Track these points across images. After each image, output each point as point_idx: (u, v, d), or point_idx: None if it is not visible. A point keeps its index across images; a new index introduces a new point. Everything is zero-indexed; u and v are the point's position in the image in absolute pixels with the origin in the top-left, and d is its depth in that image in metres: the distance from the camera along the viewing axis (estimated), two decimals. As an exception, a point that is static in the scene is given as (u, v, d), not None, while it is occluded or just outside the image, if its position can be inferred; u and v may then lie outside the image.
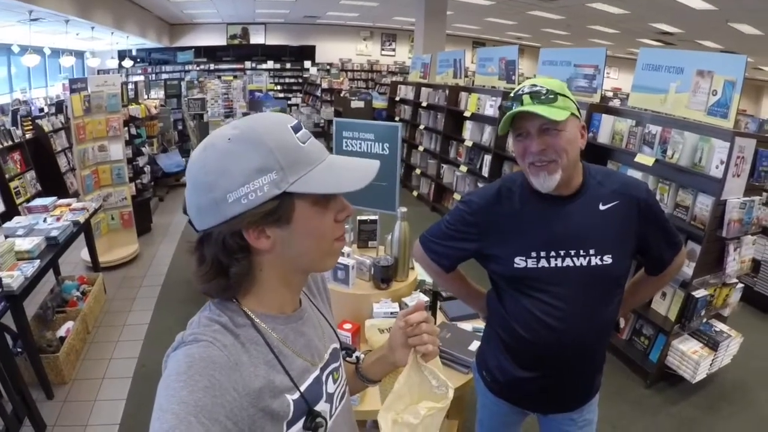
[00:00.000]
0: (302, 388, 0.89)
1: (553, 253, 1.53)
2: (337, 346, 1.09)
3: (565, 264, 1.53)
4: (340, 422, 1.03)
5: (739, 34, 11.97)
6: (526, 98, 1.42)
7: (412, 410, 1.02)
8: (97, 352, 3.93)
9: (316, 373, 0.96)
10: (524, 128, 1.46)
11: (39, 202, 4.39)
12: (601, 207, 1.53)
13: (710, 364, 3.55)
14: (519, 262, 1.55)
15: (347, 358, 1.15)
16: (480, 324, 2.46)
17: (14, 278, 2.97)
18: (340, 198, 0.89)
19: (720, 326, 3.71)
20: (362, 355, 1.22)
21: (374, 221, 2.66)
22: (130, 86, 7.51)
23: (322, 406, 0.95)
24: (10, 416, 2.89)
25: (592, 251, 1.52)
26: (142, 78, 14.87)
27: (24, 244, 3.41)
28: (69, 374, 3.57)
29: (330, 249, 0.90)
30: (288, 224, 0.82)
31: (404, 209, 2.35)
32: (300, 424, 0.88)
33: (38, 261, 3.32)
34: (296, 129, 0.84)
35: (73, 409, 3.30)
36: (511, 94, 1.48)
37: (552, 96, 1.41)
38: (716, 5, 9.76)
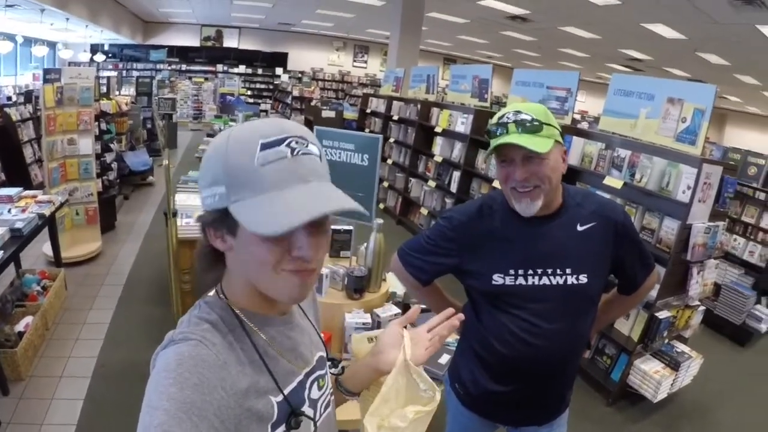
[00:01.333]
0: (286, 391, 0.90)
1: (531, 271, 1.57)
2: (324, 354, 1.09)
3: (542, 282, 1.56)
4: (325, 431, 1.03)
5: (706, 63, 12.39)
6: (512, 126, 1.46)
7: (399, 414, 1.02)
8: (56, 349, 3.81)
9: (300, 377, 0.96)
10: (508, 156, 1.50)
11: (3, 192, 4.26)
12: (579, 228, 1.58)
13: (671, 384, 3.62)
14: (497, 279, 1.58)
15: (332, 370, 1.14)
16: (450, 338, 2.47)
17: (-25, 269, 2.88)
18: (300, 234, 0.80)
19: (681, 347, 3.80)
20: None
21: (348, 231, 2.66)
22: (102, 81, 7.40)
23: (305, 411, 0.95)
24: None
25: (568, 270, 1.56)
26: (114, 73, 14.62)
27: (-14, 234, 3.30)
28: (26, 371, 3.45)
29: (276, 280, 0.82)
30: (234, 237, 0.82)
31: (380, 221, 2.36)
32: (284, 426, 0.88)
33: (0, 252, 3.23)
34: (267, 146, 0.77)
35: (30, 406, 3.19)
36: (496, 120, 1.51)
37: (537, 124, 1.45)
38: (686, 35, 10.09)
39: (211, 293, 0.92)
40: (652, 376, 3.57)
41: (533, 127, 1.44)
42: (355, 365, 1.20)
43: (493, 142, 1.49)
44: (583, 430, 3.45)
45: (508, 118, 1.47)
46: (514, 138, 1.44)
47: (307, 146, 0.82)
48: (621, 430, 3.53)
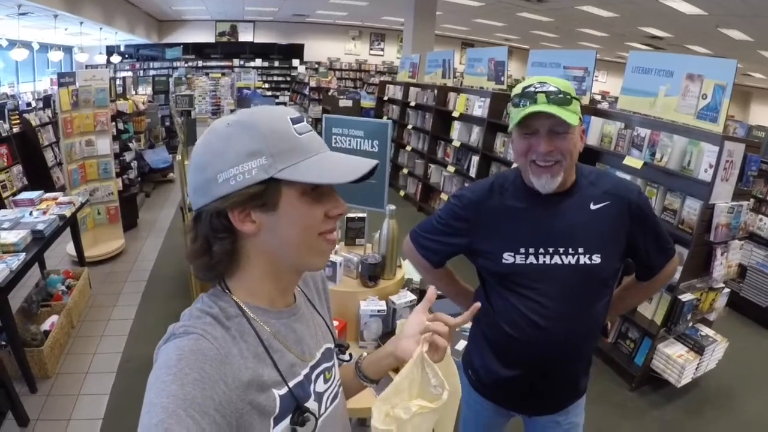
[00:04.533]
0: (291, 384, 0.89)
1: (541, 250, 1.53)
2: (332, 346, 1.08)
3: (553, 261, 1.53)
4: (331, 423, 1.02)
5: (728, 39, 12.09)
6: (541, 96, 1.41)
7: (404, 406, 1.01)
8: (82, 346, 3.89)
9: (306, 370, 0.95)
10: (533, 127, 1.45)
11: (25, 195, 4.35)
12: (592, 206, 1.53)
13: (695, 369, 3.57)
14: (507, 257, 1.55)
15: (339, 356, 1.13)
16: (466, 324, 2.45)
17: (-1, 270, 2.94)
18: (335, 195, 0.90)
19: (706, 331, 3.74)
20: (364, 353, 1.21)
21: (362, 219, 2.65)
22: (118, 81, 7.47)
23: (310, 405, 0.94)
24: None
25: (580, 250, 1.52)
26: (130, 74, 14.75)
27: (9, 237, 3.38)
28: (53, 368, 3.53)
29: (315, 244, 0.88)
30: (274, 210, 0.83)
31: (393, 207, 2.34)
32: (287, 420, 0.87)
33: (24, 254, 3.29)
34: (295, 121, 0.85)
35: (57, 403, 3.27)
36: (520, 90, 1.46)
37: (567, 97, 1.41)
38: (706, 10, 9.85)
39: (214, 287, 0.92)
40: (675, 360, 3.52)
41: (563, 99, 1.40)
42: (376, 352, 1.18)
43: (520, 112, 1.43)
44: (605, 414, 3.42)
45: (535, 87, 1.43)
46: (545, 107, 1.39)
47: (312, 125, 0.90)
48: (644, 415, 3.48)
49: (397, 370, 1.06)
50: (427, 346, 1.04)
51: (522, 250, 1.54)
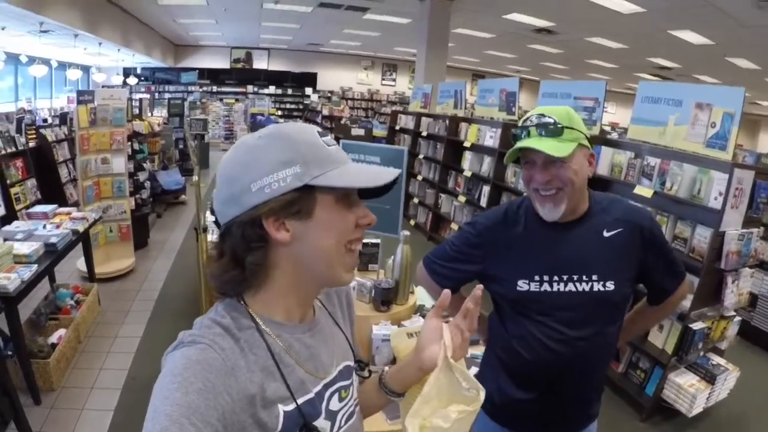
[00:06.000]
0: (299, 401, 0.88)
1: (556, 278, 1.54)
2: (351, 364, 1.07)
3: (567, 289, 1.54)
4: None
5: (736, 68, 12.18)
6: (533, 130, 1.46)
7: (442, 414, 0.97)
8: (88, 361, 3.89)
9: (318, 387, 0.94)
10: (530, 158, 1.49)
11: (39, 208, 4.40)
12: (605, 234, 1.55)
13: (707, 398, 3.52)
14: (522, 285, 1.56)
15: (358, 372, 1.11)
16: (477, 350, 2.44)
17: (11, 280, 2.97)
18: (363, 205, 0.93)
19: (717, 360, 3.69)
20: (386, 368, 1.19)
21: (376, 245, 2.65)
22: (134, 102, 7.59)
23: (320, 423, 0.92)
24: None
25: (594, 277, 1.53)
26: (147, 95, 14.96)
27: (23, 248, 3.40)
28: (58, 381, 3.53)
29: (343, 255, 0.90)
30: (309, 218, 0.85)
31: (407, 233, 2.34)
32: None
33: (36, 266, 3.31)
34: (322, 135, 0.90)
35: (60, 416, 3.26)
36: (521, 123, 1.51)
37: (559, 127, 1.44)
38: (714, 40, 9.94)
39: (229, 297, 0.92)
40: (687, 390, 3.47)
41: (554, 130, 1.44)
42: (399, 364, 1.16)
43: (514, 147, 1.50)
44: (616, 444, 3.37)
45: (530, 121, 1.47)
46: (533, 142, 1.43)
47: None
48: (655, 445, 3.43)
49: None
50: (450, 350, 1.02)
51: (536, 278, 1.55)
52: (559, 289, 1.54)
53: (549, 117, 1.45)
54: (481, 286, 1.09)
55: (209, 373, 0.75)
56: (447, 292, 1.09)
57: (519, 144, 1.47)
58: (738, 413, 3.81)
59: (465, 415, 0.98)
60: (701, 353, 3.63)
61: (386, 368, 1.17)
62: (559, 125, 1.44)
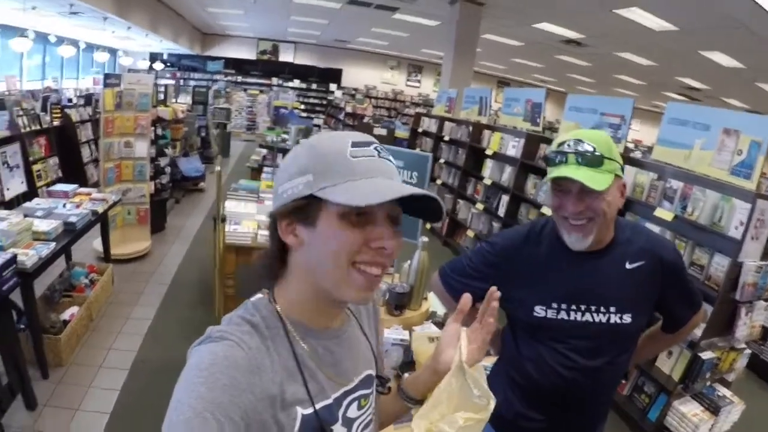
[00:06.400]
0: (318, 405, 0.88)
1: (573, 307, 1.53)
2: (373, 373, 1.07)
3: (584, 318, 1.53)
4: None
5: (765, 93, 12.02)
6: (572, 157, 1.41)
7: (449, 419, 0.97)
8: (98, 340, 3.95)
9: (337, 394, 0.94)
10: (565, 186, 1.45)
11: (60, 187, 4.46)
12: (628, 266, 1.53)
13: (710, 429, 3.48)
14: (539, 310, 1.55)
15: (378, 388, 1.10)
16: (487, 362, 2.44)
17: (29, 257, 3.02)
18: (385, 226, 0.85)
19: (723, 391, 3.65)
20: (406, 375, 1.19)
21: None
22: (160, 88, 7.64)
23: (337, 429, 0.93)
24: (4, 389, 2.94)
25: (612, 309, 1.52)
26: (172, 82, 15.07)
27: (42, 225, 3.45)
28: (67, 357, 3.59)
29: (347, 273, 0.85)
30: (313, 227, 0.85)
31: (425, 239, 2.35)
32: None
33: (54, 243, 3.36)
34: (359, 145, 0.86)
35: (67, 391, 3.32)
36: (556, 146, 1.47)
37: (598, 157, 1.39)
38: (745, 64, 9.83)
39: (261, 295, 0.92)
40: (690, 419, 3.44)
41: (594, 160, 1.39)
42: (417, 373, 1.17)
43: (551, 171, 1.45)
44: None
45: (569, 146, 1.43)
46: (573, 172, 1.39)
47: (388, 155, 0.90)
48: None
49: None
50: (465, 354, 1.02)
51: (554, 305, 1.54)
52: (576, 318, 1.53)
53: (588, 144, 1.41)
54: (495, 292, 1.10)
55: (235, 370, 0.76)
56: (467, 296, 1.10)
57: (556, 173, 1.42)
58: (740, 447, 3.75)
59: (472, 423, 0.97)
60: (708, 383, 3.59)
61: (406, 374, 1.17)
62: (598, 155, 1.40)
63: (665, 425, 3.58)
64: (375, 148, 0.87)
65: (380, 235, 0.85)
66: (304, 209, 0.84)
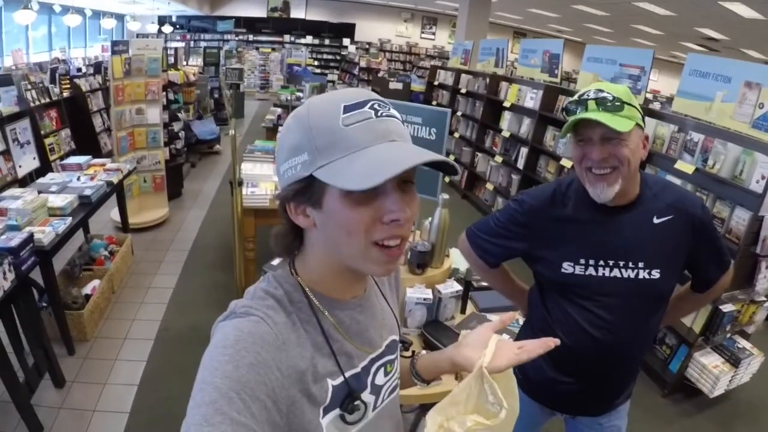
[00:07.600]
0: (347, 374, 0.88)
1: (601, 262, 1.52)
2: (396, 338, 1.06)
3: (612, 274, 1.52)
4: (385, 416, 1.01)
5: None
6: (591, 104, 1.40)
7: (460, 420, 0.97)
8: (121, 312, 4.00)
9: (365, 362, 0.93)
10: (586, 134, 1.44)
11: (73, 160, 4.44)
12: (656, 221, 1.51)
13: (729, 380, 3.49)
14: (567, 267, 1.55)
15: (403, 352, 1.11)
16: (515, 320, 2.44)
17: (45, 234, 3.02)
18: (394, 196, 0.77)
19: (743, 343, 3.65)
20: (423, 352, 1.19)
21: (413, 206, 2.64)
22: (170, 52, 7.57)
23: (366, 397, 0.93)
24: (31, 369, 2.95)
25: (641, 264, 1.50)
26: (182, 44, 14.94)
27: (57, 201, 3.45)
28: (92, 332, 3.63)
29: (367, 252, 0.79)
30: (321, 209, 0.79)
31: (446, 196, 2.31)
32: (336, 411, 0.86)
33: (70, 218, 3.36)
34: (350, 108, 0.76)
35: (94, 366, 3.36)
36: (576, 98, 1.45)
37: (618, 104, 1.38)
38: (765, 15, 9.50)
39: (283, 268, 0.91)
40: (710, 371, 3.45)
41: (614, 106, 1.38)
42: (435, 353, 1.17)
43: (571, 119, 1.43)
44: (636, 420, 3.32)
45: (588, 95, 1.42)
46: (594, 114, 1.38)
47: (389, 110, 0.80)
48: (674, 422, 3.43)
49: (456, 377, 1.02)
50: (488, 359, 1.01)
51: (582, 261, 1.53)
52: (604, 273, 1.52)
53: (608, 93, 1.40)
54: (557, 341, 1.04)
55: (261, 347, 0.74)
56: (511, 314, 1.08)
57: (578, 116, 1.41)
58: (758, 399, 3.75)
59: (481, 428, 0.97)
60: (728, 335, 3.59)
61: (423, 352, 1.18)
62: (618, 101, 1.38)
63: (686, 376, 3.60)
64: (372, 107, 0.78)
65: (391, 207, 0.77)
66: (308, 190, 0.78)
